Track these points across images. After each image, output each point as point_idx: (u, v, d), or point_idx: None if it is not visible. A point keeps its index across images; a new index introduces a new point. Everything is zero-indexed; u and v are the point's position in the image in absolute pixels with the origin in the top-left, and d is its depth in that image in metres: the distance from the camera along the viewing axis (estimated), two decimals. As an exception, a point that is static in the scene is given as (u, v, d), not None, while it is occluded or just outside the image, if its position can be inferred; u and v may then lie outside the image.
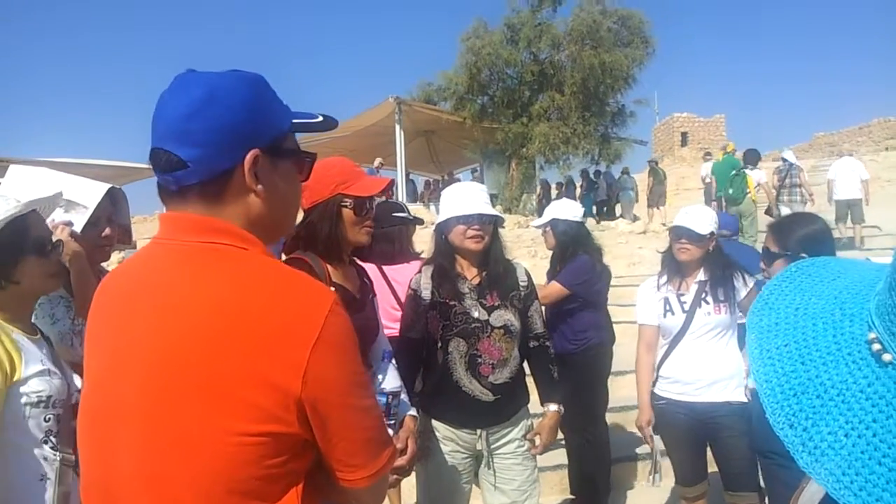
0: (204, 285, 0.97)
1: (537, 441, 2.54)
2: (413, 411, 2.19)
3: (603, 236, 9.81)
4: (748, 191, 10.36)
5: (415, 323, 2.53)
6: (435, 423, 2.51)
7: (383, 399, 1.99)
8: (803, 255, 2.22)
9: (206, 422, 0.91)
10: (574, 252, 3.77)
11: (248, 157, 0.99)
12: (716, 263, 3.08)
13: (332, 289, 1.99)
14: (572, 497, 4.06)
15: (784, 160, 10.84)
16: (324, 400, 0.95)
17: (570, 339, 3.78)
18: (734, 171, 10.52)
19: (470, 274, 2.52)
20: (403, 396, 2.15)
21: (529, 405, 2.65)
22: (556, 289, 3.74)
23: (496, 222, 2.54)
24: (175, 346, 0.94)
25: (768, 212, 10.62)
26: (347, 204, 1.97)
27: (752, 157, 10.98)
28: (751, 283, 3.08)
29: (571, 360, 3.79)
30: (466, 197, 2.50)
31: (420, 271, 2.59)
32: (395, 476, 2.12)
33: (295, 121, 1.08)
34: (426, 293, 2.50)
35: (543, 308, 3.15)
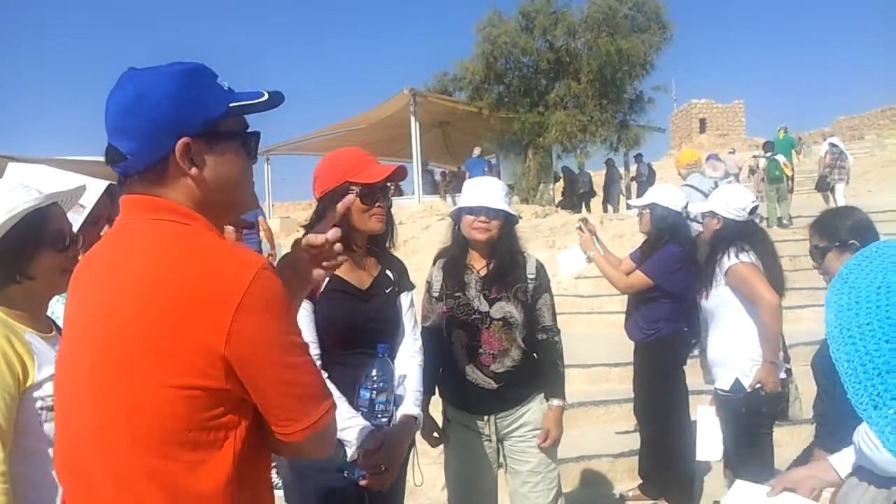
0: (142, 258, 1.09)
1: (547, 436, 2.58)
2: (416, 411, 2.11)
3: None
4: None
5: (428, 314, 2.67)
6: (451, 409, 2.64)
7: (367, 394, 1.94)
8: (853, 242, 2.20)
9: (145, 378, 1.04)
10: (666, 241, 3.67)
11: (179, 145, 1.10)
12: (712, 244, 3.12)
13: (327, 279, 1.95)
14: (641, 480, 4.04)
15: (834, 145, 12.73)
16: (250, 357, 1.07)
17: (643, 327, 3.75)
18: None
19: (479, 265, 2.61)
20: (404, 393, 2.10)
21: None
22: (639, 279, 3.69)
23: (507, 217, 2.57)
24: (116, 314, 1.07)
25: (819, 185, 12.54)
26: (354, 192, 1.99)
27: None
28: (742, 257, 2.99)
29: (642, 348, 3.80)
30: (478, 190, 2.58)
31: (434, 263, 2.70)
32: (370, 480, 1.92)
33: (235, 104, 1.15)
34: (437, 285, 2.64)
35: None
